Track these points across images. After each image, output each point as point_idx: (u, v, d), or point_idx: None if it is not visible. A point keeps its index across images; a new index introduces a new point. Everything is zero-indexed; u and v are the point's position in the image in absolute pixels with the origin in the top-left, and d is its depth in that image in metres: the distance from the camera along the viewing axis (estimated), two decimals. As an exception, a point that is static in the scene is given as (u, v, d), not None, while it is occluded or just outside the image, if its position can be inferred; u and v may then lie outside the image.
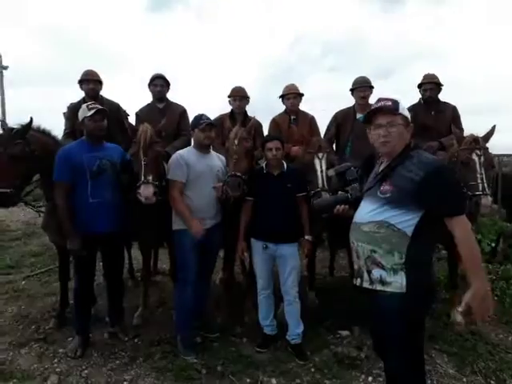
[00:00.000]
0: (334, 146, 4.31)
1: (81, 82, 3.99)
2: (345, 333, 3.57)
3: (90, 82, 3.95)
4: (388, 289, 1.83)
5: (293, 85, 4.17)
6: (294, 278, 3.12)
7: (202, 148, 3.20)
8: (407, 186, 1.77)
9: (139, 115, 4.10)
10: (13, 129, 2.96)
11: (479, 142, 3.23)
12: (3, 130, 3.00)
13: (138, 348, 3.30)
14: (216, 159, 3.33)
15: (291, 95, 4.10)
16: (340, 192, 2.26)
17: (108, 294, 3.46)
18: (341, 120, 4.21)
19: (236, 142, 3.05)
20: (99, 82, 4.05)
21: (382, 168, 1.98)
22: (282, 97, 4.20)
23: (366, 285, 1.93)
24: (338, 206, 2.14)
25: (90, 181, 2.99)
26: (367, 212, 1.92)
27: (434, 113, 4.18)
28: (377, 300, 1.89)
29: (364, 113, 2.02)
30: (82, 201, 2.99)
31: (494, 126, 3.33)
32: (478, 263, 1.73)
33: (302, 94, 4.19)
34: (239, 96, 4.12)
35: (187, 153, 3.19)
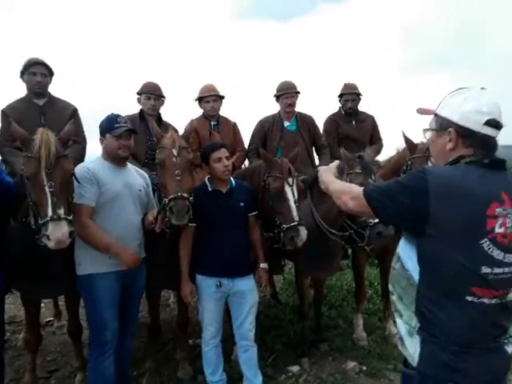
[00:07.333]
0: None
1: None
2: (295, 368, 3.15)
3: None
4: (405, 353, 1.38)
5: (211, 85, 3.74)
6: (252, 318, 2.56)
7: (117, 160, 2.42)
8: None
9: None
10: None
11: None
12: None
13: None
14: (135, 175, 2.57)
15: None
16: None
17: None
18: (267, 128, 3.84)
19: (175, 152, 2.35)
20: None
21: None
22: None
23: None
24: None
25: None
26: None
27: (355, 123, 4.15)
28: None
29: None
30: None
31: None
32: None
33: (222, 97, 3.76)
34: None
35: (97, 166, 2.37)
